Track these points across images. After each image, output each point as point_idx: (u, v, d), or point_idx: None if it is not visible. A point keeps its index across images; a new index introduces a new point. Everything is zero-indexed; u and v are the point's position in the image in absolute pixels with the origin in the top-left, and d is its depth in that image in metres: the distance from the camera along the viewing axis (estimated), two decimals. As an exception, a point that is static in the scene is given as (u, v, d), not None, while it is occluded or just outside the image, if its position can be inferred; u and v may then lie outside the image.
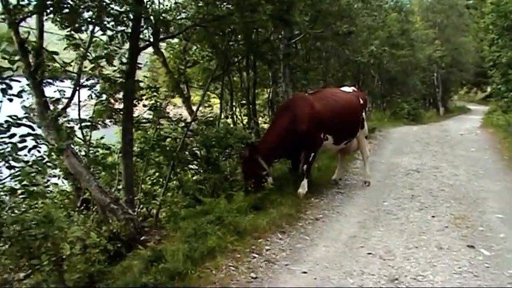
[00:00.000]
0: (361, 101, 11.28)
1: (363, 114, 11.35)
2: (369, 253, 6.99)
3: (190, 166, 12.62)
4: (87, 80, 9.66)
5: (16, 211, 6.33)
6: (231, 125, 14.92)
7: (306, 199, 9.52)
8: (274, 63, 15.16)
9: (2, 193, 6.45)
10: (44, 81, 8.98)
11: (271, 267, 6.42)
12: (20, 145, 6.10)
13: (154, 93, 11.35)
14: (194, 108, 15.15)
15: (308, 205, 9.26)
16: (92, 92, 9.74)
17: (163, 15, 10.56)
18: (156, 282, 5.61)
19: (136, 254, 7.37)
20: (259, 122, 16.33)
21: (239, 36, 14.21)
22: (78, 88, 9.46)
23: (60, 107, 9.18)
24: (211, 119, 13.48)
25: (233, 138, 11.44)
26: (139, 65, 10.20)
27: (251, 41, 13.83)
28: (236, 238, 7.12)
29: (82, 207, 9.42)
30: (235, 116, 16.55)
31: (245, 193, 9.22)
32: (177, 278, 5.82)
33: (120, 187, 10.12)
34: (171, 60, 15.71)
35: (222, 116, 15.24)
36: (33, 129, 6.45)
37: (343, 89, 11.63)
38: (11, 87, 6.48)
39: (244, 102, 16.84)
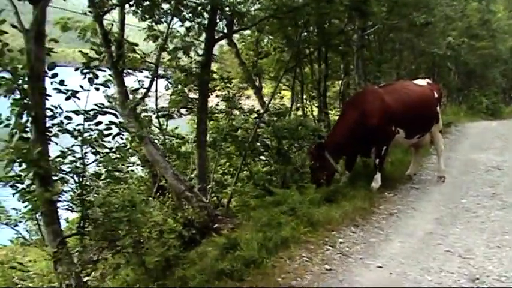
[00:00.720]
0: (436, 94, 10.89)
1: (438, 107, 10.97)
2: (447, 251, 6.76)
3: (261, 157, 12.74)
4: (164, 70, 9.99)
5: (100, 195, 6.60)
6: (301, 117, 14.87)
7: (379, 193, 9.35)
8: (347, 54, 14.96)
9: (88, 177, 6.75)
10: (125, 71, 9.36)
11: (345, 260, 6.37)
12: (105, 132, 6.41)
13: (227, 85, 11.53)
14: (265, 99, 15.26)
15: (381, 199, 9.09)
16: (169, 82, 10.06)
17: (238, 6, 10.68)
18: (233, 269, 5.71)
19: (210, 241, 7.55)
20: (330, 114, 16.19)
21: (311, 28, 14.14)
22: (155, 78, 9.77)
23: (138, 96, 9.55)
24: (283, 110, 13.50)
25: (305, 130, 11.42)
26: (215, 56, 10.39)
27: (324, 32, 13.71)
28: (309, 229, 7.11)
29: (158, 194, 9.75)
30: (305, 108, 16.49)
31: (315, 186, 9.17)
32: (252, 265, 5.89)
33: (192, 175, 10.41)
34: (243, 52, 15.87)
35: (293, 108, 15.24)
36: (117, 117, 6.75)
37: (417, 81, 11.27)
38: (97, 77, 6.79)
39: (314, 94, 16.75)
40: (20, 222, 13.02)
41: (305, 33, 13.64)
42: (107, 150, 6.63)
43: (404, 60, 22.47)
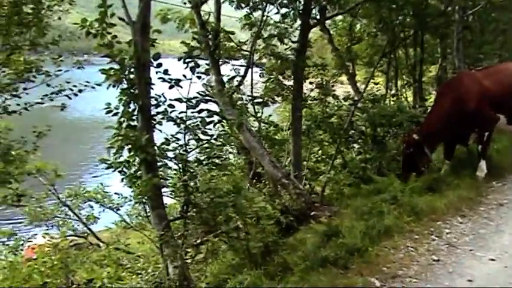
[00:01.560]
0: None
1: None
2: None
3: (354, 145, 12.50)
4: (259, 58, 10.06)
5: (203, 181, 6.77)
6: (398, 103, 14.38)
7: (486, 183, 8.82)
8: (446, 37, 14.25)
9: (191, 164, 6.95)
10: (221, 60, 9.52)
11: (453, 251, 6.08)
12: (207, 120, 6.56)
13: (321, 71, 11.39)
14: (359, 86, 14.93)
15: (489, 189, 8.56)
16: (263, 69, 10.12)
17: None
18: (336, 256, 5.65)
19: (309, 228, 7.52)
20: (426, 100, 15.55)
21: (405, 10, 13.59)
22: (250, 66, 9.85)
23: (234, 84, 9.68)
24: (378, 97, 13.15)
25: (402, 116, 11.03)
26: (309, 43, 10.29)
27: (422, 14, 13.12)
28: (413, 219, 6.86)
29: (254, 180, 9.86)
30: (400, 95, 15.95)
31: (403, 178, 8.77)
32: (356, 254, 5.79)
33: (286, 163, 10.43)
34: (335, 38, 15.61)
35: (388, 95, 14.79)
36: (218, 105, 6.89)
37: (521, 64, 10.43)
38: (198, 66, 6.95)
39: (409, 79, 16.16)
40: (122, 206, 13.84)
41: (401, 17, 13.13)
42: (208, 138, 6.77)
43: (508, 42, 21.01)
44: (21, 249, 11.66)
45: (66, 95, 6.33)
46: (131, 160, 6.98)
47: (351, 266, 5.62)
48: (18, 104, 6.23)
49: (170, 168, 7.19)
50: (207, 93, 7.48)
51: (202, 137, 6.75)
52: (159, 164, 6.93)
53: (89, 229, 13.17)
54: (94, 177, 20.73)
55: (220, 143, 7.05)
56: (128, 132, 6.62)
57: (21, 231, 13.05)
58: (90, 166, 24.32)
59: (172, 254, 6.44)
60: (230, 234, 6.28)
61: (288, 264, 6.16)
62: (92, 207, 13.68)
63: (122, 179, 7.22)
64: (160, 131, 7.07)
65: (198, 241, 6.69)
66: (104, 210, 13.61)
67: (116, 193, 13.52)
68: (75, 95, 6.40)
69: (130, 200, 13.12)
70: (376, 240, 6.19)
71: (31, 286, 7.77)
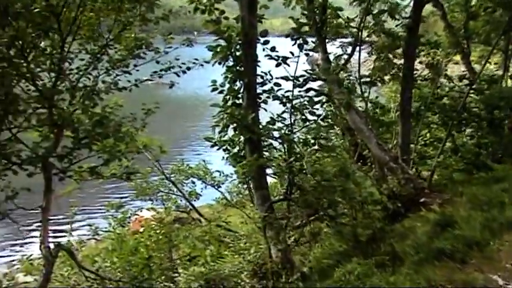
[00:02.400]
0: None
1: None
2: None
3: (467, 128, 11.64)
4: (367, 35, 9.58)
5: (309, 162, 6.56)
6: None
7: None
8: None
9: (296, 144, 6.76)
10: (327, 37, 9.18)
11: None
12: (315, 99, 6.31)
13: (434, 50, 10.65)
14: (473, 65, 13.87)
15: None
16: (372, 47, 9.64)
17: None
18: (453, 249, 5.20)
19: (418, 216, 7.07)
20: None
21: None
22: (358, 44, 9.41)
23: (341, 63, 9.30)
24: (495, 77, 12.10)
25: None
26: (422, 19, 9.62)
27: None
28: (539, 212, 6.20)
29: (359, 163, 9.49)
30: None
31: None
32: (475, 247, 5.30)
33: (390, 146, 9.92)
34: (449, 14, 14.53)
35: (506, 75, 13.57)
36: (325, 84, 6.63)
37: None
38: (307, 43, 6.70)
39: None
40: (223, 184, 14.03)
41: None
42: (315, 118, 6.53)
43: None
44: (128, 222, 12.18)
45: (175, 72, 6.35)
46: (236, 139, 6.94)
47: (470, 261, 5.15)
48: (128, 81, 6.34)
49: (275, 148, 7.07)
50: (314, 71, 7.19)
51: (309, 117, 6.54)
52: (263, 143, 6.84)
53: (191, 205, 13.48)
54: (196, 154, 21.26)
55: (327, 124, 6.79)
56: (233, 111, 6.56)
57: (128, 205, 13.64)
58: (192, 143, 25.00)
59: (276, 237, 6.34)
60: (336, 219, 6.01)
61: (396, 253, 5.81)
62: (194, 183, 13.95)
63: (225, 158, 7.23)
64: (265, 110, 6.96)
65: (302, 224, 6.49)
66: (205, 187, 13.83)
67: (217, 171, 13.68)
68: (184, 72, 6.40)
69: (231, 178, 13.29)
70: (497, 234, 5.63)
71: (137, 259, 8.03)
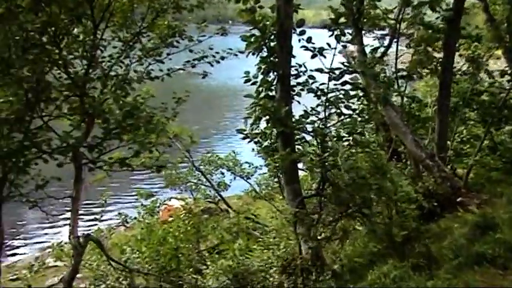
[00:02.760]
0: None
1: None
2: None
3: (506, 126, 11.21)
4: (406, 28, 9.27)
5: (343, 158, 6.35)
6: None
7: None
8: None
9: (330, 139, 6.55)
10: (364, 28, 8.91)
11: None
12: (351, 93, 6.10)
13: (476, 43, 10.23)
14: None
15: None
16: (411, 40, 9.32)
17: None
18: (494, 254, 4.93)
19: (456, 216, 6.82)
20: None
21: None
22: (396, 36, 9.12)
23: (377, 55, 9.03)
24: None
25: None
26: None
27: None
28: None
29: (393, 159, 9.20)
30: None
31: None
32: (517, 253, 5.04)
33: (426, 142, 9.60)
34: (491, 6, 13.97)
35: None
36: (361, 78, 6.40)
37: None
38: (344, 34, 6.47)
39: None
40: (252, 175, 13.91)
41: None
42: (351, 112, 6.31)
43: None
44: (158, 211, 12.17)
45: (209, 62, 6.22)
46: (268, 132, 6.77)
47: (512, 267, 4.90)
48: (160, 70, 6.23)
49: (308, 142, 6.88)
50: (350, 64, 6.95)
51: (344, 111, 6.33)
52: (296, 137, 6.66)
53: (220, 195, 13.40)
54: (225, 145, 21.17)
55: (362, 119, 6.57)
56: (266, 103, 6.39)
57: (159, 195, 13.65)
58: (222, 133, 24.94)
59: (306, 233, 6.17)
60: (371, 217, 5.80)
61: (432, 255, 5.58)
62: (223, 174, 13.87)
63: (256, 150, 7.09)
64: (299, 102, 6.77)
65: (334, 220, 6.30)
66: (234, 178, 13.74)
67: (246, 162, 13.56)
68: (217, 62, 6.26)
69: (260, 169, 13.19)
70: (543, 239, 5.34)
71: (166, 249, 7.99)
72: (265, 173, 12.72)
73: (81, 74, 5.21)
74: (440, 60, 9.12)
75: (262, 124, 6.66)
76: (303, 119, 6.50)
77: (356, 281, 5.42)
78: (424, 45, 9.37)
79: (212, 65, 6.23)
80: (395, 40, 9.19)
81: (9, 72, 4.60)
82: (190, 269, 8.02)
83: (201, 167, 13.49)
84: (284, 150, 6.30)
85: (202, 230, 9.73)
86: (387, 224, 5.79)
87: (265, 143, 6.74)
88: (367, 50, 9.12)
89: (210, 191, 13.65)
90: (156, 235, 8.30)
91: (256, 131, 6.80)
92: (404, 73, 9.41)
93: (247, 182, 13.70)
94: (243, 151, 13.10)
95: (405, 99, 9.60)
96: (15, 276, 11.55)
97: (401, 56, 9.41)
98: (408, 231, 6.24)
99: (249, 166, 13.56)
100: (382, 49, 9.36)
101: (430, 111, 10.20)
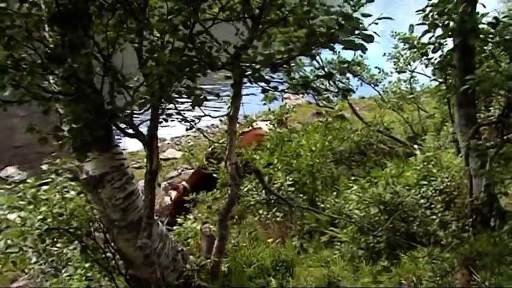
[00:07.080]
0: None
1: None
2: None
3: None
4: None
5: None
6: None
7: None
8: None
9: None
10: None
11: None
12: None
13: None
14: None
15: None
16: None
17: None
18: None
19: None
20: None
21: None
22: None
23: None
24: None
25: None
26: None
27: None
28: None
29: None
30: None
31: None
32: None
33: None
34: None
35: None
36: None
37: None
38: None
39: None
40: (380, 82, 12.67)
41: None
42: None
43: None
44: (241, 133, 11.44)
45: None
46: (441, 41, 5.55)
47: None
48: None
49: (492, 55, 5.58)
50: None
51: None
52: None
53: (350, 104, 12.17)
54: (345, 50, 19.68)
55: None
56: (445, 3, 5.12)
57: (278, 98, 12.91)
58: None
59: (480, 168, 5.17)
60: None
61: None
62: (348, 79, 12.73)
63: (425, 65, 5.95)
64: (484, 5, 5.41)
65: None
66: (361, 84, 12.55)
67: (376, 67, 12.36)
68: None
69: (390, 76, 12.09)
70: None
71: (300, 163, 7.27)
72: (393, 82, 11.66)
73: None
74: None
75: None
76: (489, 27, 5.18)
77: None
78: None
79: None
80: None
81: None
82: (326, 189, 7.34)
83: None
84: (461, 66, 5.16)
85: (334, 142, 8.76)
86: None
87: (437, 56, 5.56)
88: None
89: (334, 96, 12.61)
90: (289, 147, 7.61)
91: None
92: None
93: (374, 89, 12.57)
94: (371, 55, 11.82)
95: None
96: (137, 165, 11.58)
97: None
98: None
99: (379, 72, 12.34)
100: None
101: None
